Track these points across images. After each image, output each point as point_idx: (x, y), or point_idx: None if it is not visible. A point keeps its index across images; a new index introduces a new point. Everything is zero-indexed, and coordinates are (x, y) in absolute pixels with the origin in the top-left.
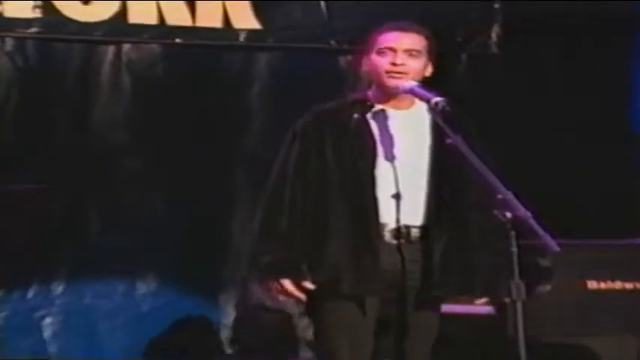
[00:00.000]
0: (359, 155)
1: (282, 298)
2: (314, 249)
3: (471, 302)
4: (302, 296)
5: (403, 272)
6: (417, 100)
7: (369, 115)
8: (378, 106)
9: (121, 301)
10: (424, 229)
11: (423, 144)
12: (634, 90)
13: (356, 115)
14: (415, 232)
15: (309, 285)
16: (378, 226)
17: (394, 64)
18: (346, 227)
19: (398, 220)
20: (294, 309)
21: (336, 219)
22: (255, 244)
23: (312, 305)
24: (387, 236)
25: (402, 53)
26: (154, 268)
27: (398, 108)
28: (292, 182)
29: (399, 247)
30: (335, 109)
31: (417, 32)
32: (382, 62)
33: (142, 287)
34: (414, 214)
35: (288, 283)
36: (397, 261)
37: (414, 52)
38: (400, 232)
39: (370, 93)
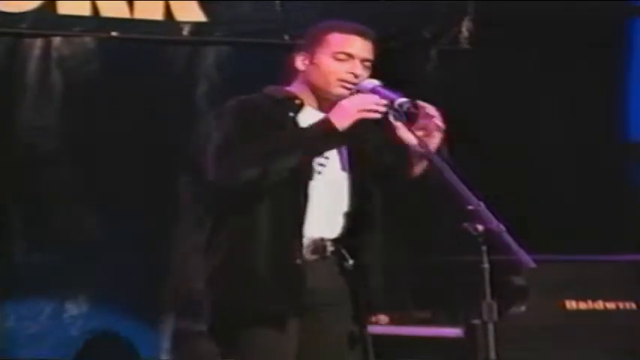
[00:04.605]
0: None
1: None
2: (235, 263)
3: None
4: None
5: (319, 289)
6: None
7: (301, 116)
8: (308, 106)
9: (47, 324)
10: (338, 241)
11: (344, 148)
12: (619, 90)
13: (291, 114)
14: (330, 246)
15: None
16: (301, 241)
17: (354, 75)
18: (269, 240)
19: (317, 234)
20: None
21: (259, 229)
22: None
23: (225, 328)
24: (305, 251)
25: (359, 63)
26: (85, 289)
27: (325, 108)
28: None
29: (316, 263)
30: (263, 106)
31: (372, 40)
32: (339, 69)
33: (72, 309)
34: (332, 226)
35: None
36: (317, 278)
37: (367, 63)
38: (317, 246)
39: (294, 89)
